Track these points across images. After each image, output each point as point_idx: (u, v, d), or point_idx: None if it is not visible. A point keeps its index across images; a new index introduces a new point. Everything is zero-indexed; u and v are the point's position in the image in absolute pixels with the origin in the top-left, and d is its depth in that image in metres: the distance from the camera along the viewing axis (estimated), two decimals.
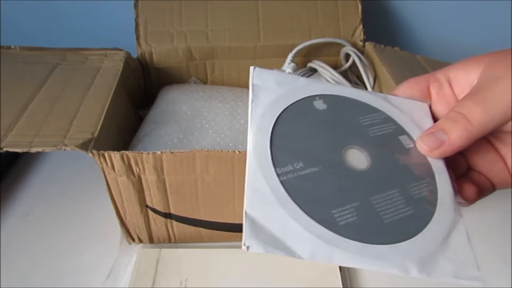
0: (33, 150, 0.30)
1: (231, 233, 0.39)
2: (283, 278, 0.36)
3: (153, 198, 0.35)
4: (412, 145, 0.23)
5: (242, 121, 0.44)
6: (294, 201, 0.19)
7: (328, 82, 0.26)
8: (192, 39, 0.49)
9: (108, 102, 0.37)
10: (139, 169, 0.32)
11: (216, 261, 0.37)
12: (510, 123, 0.21)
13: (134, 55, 0.49)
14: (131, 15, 0.49)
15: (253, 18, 0.50)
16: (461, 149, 0.21)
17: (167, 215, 0.37)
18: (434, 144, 0.22)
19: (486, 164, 0.24)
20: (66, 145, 0.30)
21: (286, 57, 0.48)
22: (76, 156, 0.40)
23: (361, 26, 0.51)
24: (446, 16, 0.60)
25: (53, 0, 0.58)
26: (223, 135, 0.42)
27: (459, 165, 0.24)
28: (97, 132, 0.33)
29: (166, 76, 0.52)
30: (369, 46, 0.49)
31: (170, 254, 0.38)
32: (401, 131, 0.24)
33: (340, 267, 0.36)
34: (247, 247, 0.17)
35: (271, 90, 0.23)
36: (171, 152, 0.31)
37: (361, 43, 0.51)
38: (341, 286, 0.35)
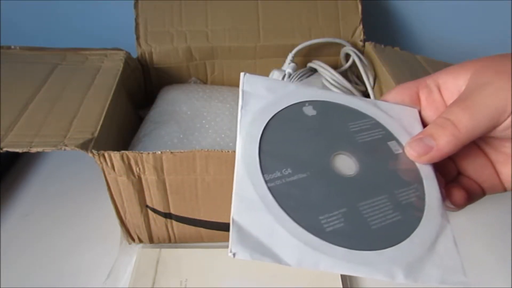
0: (33, 150, 0.30)
1: None
2: (283, 278, 0.36)
3: (153, 198, 0.35)
4: (401, 151, 0.23)
5: None
6: (281, 207, 0.19)
7: (318, 88, 0.26)
8: (192, 39, 0.49)
9: (108, 102, 0.37)
10: (139, 169, 0.32)
11: (216, 261, 0.37)
12: (498, 128, 0.21)
13: (134, 55, 0.49)
14: (131, 15, 0.49)
15: (253, 18, 0.50)
16: (449, 155, 0.22)
17: (167, 215, 0.37)
18: (422, 150, 0.22)
19: (475, 169, 0.24)
20: (66, 145, 0.30)
21: (286, 57, 0.48)
22: (76, 156, 0.40)
23: (361, 26, 0.51)
24: (446, 16, 0.60)
25: (53, 0, 0.58)
26: (223, 135, 0.42)
27: (449, 170, 0.25)
28: (97, 132, 0.33)
29: (166, 76, 0.52)
30: (369, 46, 0.49)
31: (170, 254, 0.38)
32: (390, 136, 0.24)
33: None
34: (233, 254, 0.17)
35: (261, 97, 0.23)
36: (171, 152, 0.31)
37: (361, 43, 0.51)
38: (341, 286, 0.35)
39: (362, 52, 0.50)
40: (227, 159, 0.31)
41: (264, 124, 0.22)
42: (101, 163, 0.31)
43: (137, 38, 0.49)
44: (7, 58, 0.43)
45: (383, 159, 0.23)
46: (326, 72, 0.45)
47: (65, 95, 0.37)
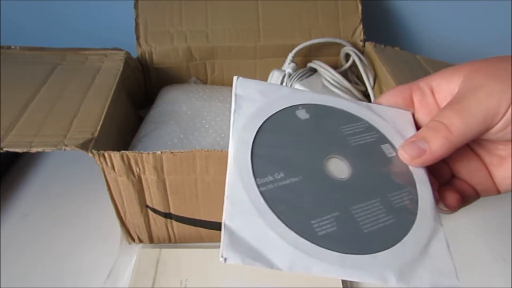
0: (33, 150, 0.30)
1: None
2: (283, 278, 0.36)
3: (153, 198, 0.35)
4: (394, 154, 0.23)
5: None
6: (273, 211, 0.19)
7: (311, 92, 0.25)
8: (192, 39, 0.49)
9: (108, 102, 0.37)
10: (139, 169, 0.32)
11: (216, 261, 0.37)
12: (491, 131, 0.21)
13: (134, 55, 0.49)
14: (131, 15, 0.49)
15: (253, 18, 0.50)
16: (442, 158, 0.22)
17: (167, 215, 0.37)
18: (415, 153, 0.22)
19: (469, 172, 0.24)
20: (66, 145, 0.30)
21: (286, 57, 0.48)
22: (76, 156, 0.40)
23: (361, 26, 0.51)
24: (446, 16, 0.60)
25: (53, 0, 0.58)
26: (223, 135, 0.42)
27: (443, 173, 0.25)
28: (97, 132, 0.33)
29: (166, 76, 0.52)
30: (369, 46, 0.49)
31: (170, 254, 0.38)
32: (384, 140, 0.24)
33: None
34: (225, 259, 0.17)
35: (254, 100, 0.23)
36: (171, 152, 0.31)
37: (361, 43, 0.51)
38: (341, 286, 0.35)
39: (362, 52, 0.50)
40: (227, 159, 0.31)
41: (257, 128, 0.22)
42: (101, 163, 0.31)
43: (137, 38, 0.49)
44: (7, 58, 0.43)
45: (376, 162, 0.23)
46: (326, 72, 0.45)
47: (65, 95, 0.37)
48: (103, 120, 0.34)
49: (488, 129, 0.21)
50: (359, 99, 0.45)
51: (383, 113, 0.25)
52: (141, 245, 0.40)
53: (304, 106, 0.24)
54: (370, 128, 0.24)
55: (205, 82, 0.54)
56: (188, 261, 0.37)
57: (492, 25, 0.60)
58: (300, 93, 0.25)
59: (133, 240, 0.39)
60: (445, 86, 0.23)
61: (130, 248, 0.39)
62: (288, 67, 0.47)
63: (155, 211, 0.36)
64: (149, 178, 0.33)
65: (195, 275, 0.36)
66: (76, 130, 0.33)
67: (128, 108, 0.46)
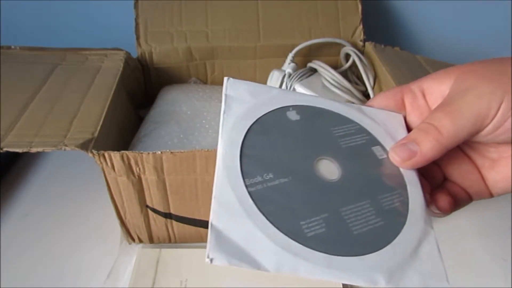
0: (33, 150, 0.30)
1: None
2: (283, 278, 0.36)
3: (153, 198, 0.35)
4: (385, 156, 0.23)
5: None
6: (261, 212, 0.19)
7: (302, 93, 0.25)
8: (192, 39, 0.49)
9: (108, 102, 0.37)
10: (139, 169, 0.32)
11: None
12: (481, 133, 0.21)
13: (134, 55, 0.49)
14: (131, 15, 0.49)
15: (253, 18, 0.50)
16: (433, 160, 0.22)
17: (167, 215, 0.37)
18: (406, 155, 0.22)
19: (461, 174, 0.24)
20: (66, 145, 0.30)
21: (286, 57, 0.48)
22: (76, 156, 0.40)
23: (361, 26, 0.51)
24: (446, 16, 0.60)
25: (53, 0, 0.58)
26: None
27: (435, 176, 0.25)
28: (97, 132, 0.33)
29: (166, 76, 0.52)
30: (369, 46, 0.49)
31: (170, 254, 0.38)
32: (375, 142, 0.24)
33: None
34: (211, 260, 0.17)
35: (244, 101, 0.23)
36: (171, 152, 0.31)
37: (361, 43, 0.51)
38: (341, 287, 0.35)
39: (362, 52, 0.50)
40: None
41: (246, 129, 0.22)
42: (101, 163, 0.31)
43: (137, 38, 0.49)
44: (7, 58, 0.43)
45: (366, 164, 0.23)
46: (326, 72, 0.45)
47: (65, 95, 0.37)
48: (103, 120, 0.34)
49: (478, 131, 0.21)
50: (359, 99, 0.45)
51: (374, 116, 0.25)
52: (141, 245, 0.40)
53: (294, 107, 0.24)
54: (361, 130, 0.24)
55: (205, 82, 0.54)
56: (188, 261, 0.37)
57: (492, 25, 0.60)
58: (291, 94, 0.25)
59: (133, 240, 0.40)
60: (436, 89, 0.23)
61: (130, 248, 0.39)
62: (288, 67, 0.47)
63: (155, 211, 0.36)
64: (149, 178, 0.33)
65: (195, 275, 0.36)
66: (76, 130, 0.33)
67: (128, 108, 0.46)
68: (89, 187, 0.46)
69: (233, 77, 0.24)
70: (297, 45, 0.48)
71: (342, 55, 0.50)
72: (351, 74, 0.50)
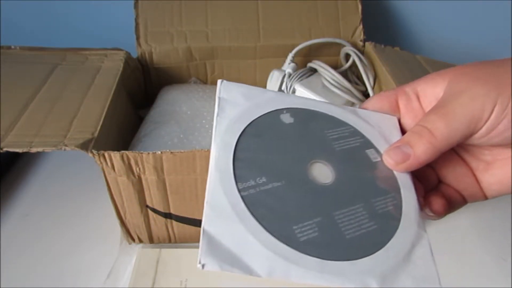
0: (33, 150, 0.30)
1: None
2: None
3: (153, 198, 0.35)
4: (379, 159, 0.23)
5: None
6: (254, 216, 0.19)
7: (296, 96, 0.25)
8: (192, 39, 0.49)
9: (108, 102, 0.37)
10: (139, 169, 0.32)
11: None
12: (475, 136, 0.21)
13: (134, 55, 0.49)
14: (131, 15, 0.49)
15: (253, 18, 0.50)
16: (427, 163, 0.21)
17: (167, 215, 0.37)
18: (399, 158, 0.22)
19: (455, 177, 0.24)
20: (66, 145, 0.30)
21: (286, 57, 0.48)
22: (76, 156, 0.40)
23: (361, 26, 0.51)
24: (446, 16, 0.60)
25: (53, 0, 0.58)
26: None
27: (429, 178, 0.24)
28: (97, 132, 0.33)
29: (166, 76, 0.52)
30: (369, 46, 0.49)
31: (170, 254, 0.38)
32: (369, 144, 0.24)
33: None
34: (202, 265, 0.17)
35: (238, 104, 0.23)
36: (171, 152, 0.31)
37: (361, 43, 0.51)
38: None
39: (362, 52, 0.50)
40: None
41: (240, 132, 0.22)
42: (101, 163, 0.31)
43: (137, 38, 0.49)
44: (7, 58, 0.43)
45: (360, 167, 0.23)
46: (326, 72, 0.45)
47: (65, 95, 0.37)
48: (103, 120, 0.34)
49: (472, 133, 0.21)
50: (359, 99, 0.45)
51: (368, 118, 0.25)
52: (141, 245, 0.40)
53: (288, 110, 0.24)
54: (355, 133, 0.24)
55: (205, 82, 0.54)
56: (188, 261, 0.37)
57: (492, 25, 0.60)
58: (285, 97, 0.25)
59: (133, 240, 0.40)
60: (430, 91, 0.23)
61: (130, 248, 0.39)
62: (288, 67, 0.47)
63: (155, 211, 0.36)
64: (149, 178, 0.33)
65: (195, 275, 0.36)
66: (76, 130, 0.33)
67: (128, 108, 0.46)
68: (89, 187, 0.46)
69: (227, 80, 0.24)
70: (297, 45, 0.48)
71: (342, 55, 0.50)
72: (351, 74, 0.50)
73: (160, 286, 0.35)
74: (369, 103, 0.26)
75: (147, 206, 0.36)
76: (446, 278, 0.38)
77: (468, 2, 0.58)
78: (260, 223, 0.19)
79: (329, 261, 0.18)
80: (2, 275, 0.37)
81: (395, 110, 0.25)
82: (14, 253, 0.39)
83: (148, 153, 0.31)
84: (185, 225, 0.38)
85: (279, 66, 0.48)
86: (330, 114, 0.25)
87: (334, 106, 0.25)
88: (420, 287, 0.19)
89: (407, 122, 0.25)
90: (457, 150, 0.25)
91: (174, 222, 0.37)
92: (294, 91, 0.46)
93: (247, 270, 0.17)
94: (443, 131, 0.20)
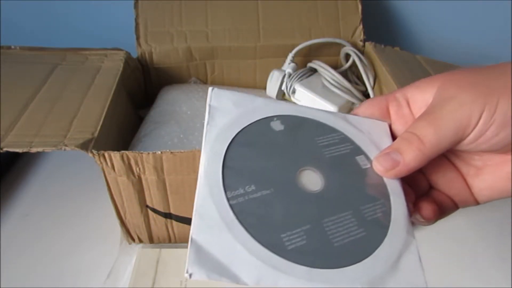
0: (33, 150, 0.30)
1: None
2: None
3: (153, 198, 0.35)
4: (369, 166, 0.23)
5: None
6: (242, 225, 0.19)
7: (286, 102, 0.25)
8: (192, 39, 0.49)
9: (108, 102, 0.37)
10: (139, 169, 0.32)
11: None
12: (463, 142, 0.21)
13: (134, 55, 0.49)
14: (131, 15, 0.49)
15: (253, 18, 0.50)
16: (416, 169, 0.21)
17: (167, 215, 0.37)
18: (389, 165, 0.22)
19: (446, 182, 0.24)
20: (66, 145, 0.30)
21: (286, 57, 0.48)
22: (76, 156, 0.40)
23: (361, 26, 0.51)
24: (446, 16, 0.60)
25: (53, 0, 0.58)
26: None
27: (420, 184, 0.24)
28: (97, 132, 0.33)
29: (166, 76, 0.52)
30: (369, 46, 0.49)
31: (170, 254, 0.38)
32: (359, 151, 0.24)
33: None
34: (190, 275, 0.17)
35: (228, 111, 0.23)
36: (171, 152, 0.31)
37: (361, 43, 0.51)
38: None
39: (362, 52, 0.50)
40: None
41: (230, 140, 0.22)
42: (101, 163, 0.31)
43: (137, 38, 0.49)
44: (7, 58, 0.43)
45: (350, 174, 0.23)
46: (326, 72, 0.45)
47: (65, 95, 0.37)
48: (103, 120, 0.34)
49: (460, 140, 0.21)
50: (359, 99, 0.45)
51: (359, 124, 0.25)
52: (141, 245, 0.40)
53: (279, 117, 0.24)
54: (345, 139, 0.24)
55: (205, 82, 0.54)
56: None
57: (492, 25, 0.60)
58: (276, 104, 0.25)
59: (133, 240, 0.40)
60: (419, 97, 0.23)
61: (130, 248, 0.39)
62: (288, 67, 0.47)
63: (155, 211, 0.36)
64: (149, 178, 0.33)
65: None
66: (76, 130, 0.33)
67: (128, 108, 0.46)
68: (89, 187, 0.46)
69: (218, 87, 0.24)
70: (297, 45, 0.48)
71: (342, 55, 0.50)
72: (351, 74, 0.50)
73: (160, 286, 0.35)
74: (359, 109, 0.26)
75: (147, 206, 0.36)
76: (446, 278, 0.38)
77: (468, 2, 0.58)
78: (248, 231, 0.19)
79: (317, 269, 0.18)
80: (2, 275, 0.37)
81: (385, 116, 0.25)
82: (14, 253, 0.39)
83: (148, 153, 0.31)
84: (185, 225, 0.38)
85: (279, 66, 0.48)
86: (320, 120, 0.25)
87: (324, 112, 0.25)
88: None
89: (398, 128, 0.25)
90: (447, 156, 0.24)
91: (174, 222, 0.37)
92: (294, 91, 0.46)
93: (235, 279, 0.17)
94: (432, 138, 0.20)
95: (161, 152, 0.31)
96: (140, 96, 0.51)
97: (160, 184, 0.33)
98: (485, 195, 0.24)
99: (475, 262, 0.40)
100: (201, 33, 0.50)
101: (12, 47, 0.45)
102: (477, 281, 0.38)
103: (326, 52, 0.52)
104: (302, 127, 0.24)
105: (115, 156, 0.31)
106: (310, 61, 0.48)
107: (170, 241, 0.40)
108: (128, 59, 0.46)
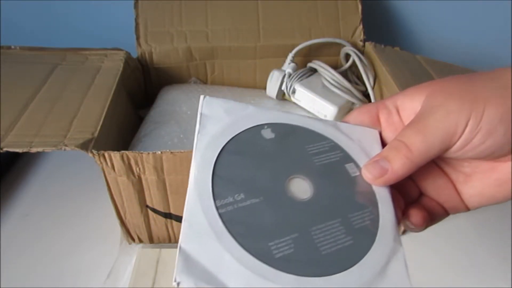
0: (33, 150, 0.30)
1: None
2: None
3: (153, 198, 0.35)
4: (358, 173, 0.23)
5: None
6: (231, 234, 0.19)
7: (278, 110, 0.25)
8: (192, 39, 0.49)
9: (108, 102, 0.37)
10: (139, 169, 0.32)
11: None
12: (451, 150, 0.21)
13: (134, 55, 0.49)
14: (131, 15, 0.49)
15: (253, 18, 0.50)
16: (405, 177, 0.22)
17: (167, 215, 0.37)
18: (377, 173, 0.22)
19: (436, 189, 0.24)
20: (66, 145, 0.30)
21: (286, 57, 0.48)
22: (76, 156, 0.40)
23: (361, 26, 0.51)
24: (446, 16, 0.60)
25: (53, 0, 0.58)
26: None
27: (410, 191, 0.25)
28: (97, 132, 0.33)
29: (166, 76, 0.52)
30: (369, 46, 0.49)
31: (170, 254, 0.38)
32: (348, 159, 0.24)
33: None
34: (178, 283, 0.17)
35: (219, 119, 0.23)
36: (171, 152, 0.31)
37: (361, 43, 0.51)
38: None
39: (362, 52, 0.50)
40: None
41: (220, 148, 0.22)
42: (101, 163, 0.31)
43: (137, 38, 0.49)
44: (7, 58, 0.43)
45: (339, 182, 0.23)
46: (326, 72, 0.45)
47: (65, 95, 0.37)
48: (103, 120, 0.34)
49: (448, 148, 0.21)
50: (359, 99, 0.45)
51: (349, 132, 0.25)
52: (141, 245, 0.40)
53: (270, 125, 0.24)
54: (335, 147, 0.24)
55: (205, 82, 0.54)
56: None
57: (492, 25, 0.60)
58: (267, 112, 0.25)
59: (133, 240, 0.40)
60: (408, 105, 0.23)
61: (130, 248, 0.39)
62: (288, 67, 0.47)
63: (155, 211, 0.36)
64: (149, 178, 0.33)
65: None
66: (76, 130, 0.33)
67: (128, 108, 0.46)
68: (89, 187, 0.46)
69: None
70: (297, 45, 0.48)
71: (342, 55, 0.50)
72: (351, 74, 0.50)
73: (160, 286, 0.35)
74: (350, 116, 0.26)
75: (147, 206, 0.36)
76: (446, 278, 0.38)
77: (468, 2, 0.58)
78: (236, 240, 0.19)
79: (304, 278, 0.18)
80: (2, 275, 0.37)
81: (376, 123, 0.25)
82: (14, 253, 0.39)
83: (148, 153, 0.31)
84: None
85: (279, 66, 0.48)
86: (311, 128, 0.25)
87: (315, 120, 0.25)
88: None
89: (388, 136, 0.25)
90: (437, 162, 0.25)
91: (174, 222, 0.37)
92: (294, 91, 0.46)
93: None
94: (419, 146, 0.21)
95: (161, 152, 0.31)
96: (140, 96, 0.51)
97: (160, 184, 0.33)
98: (475, 202, 0.24)
99: (475, 262, 0.40)
100: (201, 33, 0.50)
101: (12, 47, 0.45)
102: (477, 281, 0.38)
103: (326, 52, 0.52)
104: (292, 135, 0.24)
105: (115, 156, 0.31)
106: (310, 61, 0.48)
107: (170, 241, 0.40)
108: (128, 59, 0.46)
